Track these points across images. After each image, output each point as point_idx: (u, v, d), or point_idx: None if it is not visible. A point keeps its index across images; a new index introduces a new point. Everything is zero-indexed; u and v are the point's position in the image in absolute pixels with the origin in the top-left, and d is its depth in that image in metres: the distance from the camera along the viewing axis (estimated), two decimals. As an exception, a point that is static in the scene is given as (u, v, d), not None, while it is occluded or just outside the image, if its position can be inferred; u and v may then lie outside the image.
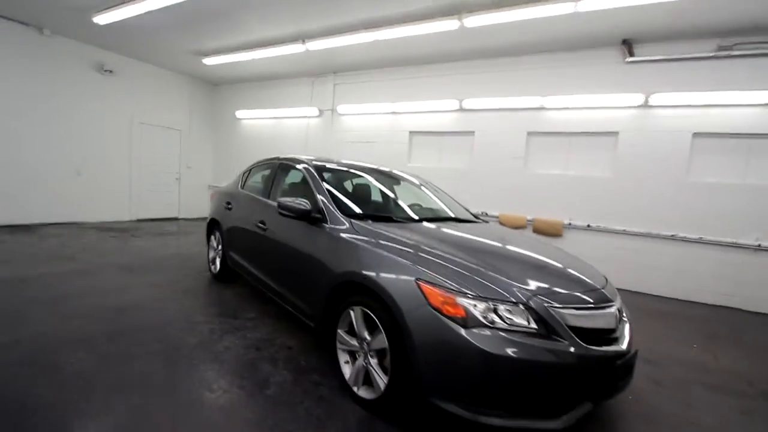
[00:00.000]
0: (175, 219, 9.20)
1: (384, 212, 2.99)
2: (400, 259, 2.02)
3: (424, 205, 3.33)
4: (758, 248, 4.74)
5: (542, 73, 5.93)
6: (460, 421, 1.70)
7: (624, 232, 5.48)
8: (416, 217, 2.91)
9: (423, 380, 1.78)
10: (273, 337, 2.94)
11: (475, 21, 4.81)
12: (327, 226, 2.56)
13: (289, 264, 2.84)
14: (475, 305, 1.72)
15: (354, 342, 2.20)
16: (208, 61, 7.51)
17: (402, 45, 6.01)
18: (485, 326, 1.69)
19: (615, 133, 5.57)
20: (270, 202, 3.34)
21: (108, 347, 2.54)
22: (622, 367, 1.86)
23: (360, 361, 2.15)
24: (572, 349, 1.71)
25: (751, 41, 4.67)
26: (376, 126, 7.49)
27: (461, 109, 6.58)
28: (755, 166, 4.84)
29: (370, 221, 2.52)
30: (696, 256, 5.08)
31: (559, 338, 1.72)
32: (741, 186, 4.89)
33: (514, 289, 1.81)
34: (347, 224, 2.47)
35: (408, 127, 7.16)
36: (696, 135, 5.09)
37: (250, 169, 4.26)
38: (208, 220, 4.57)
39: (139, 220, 8.38)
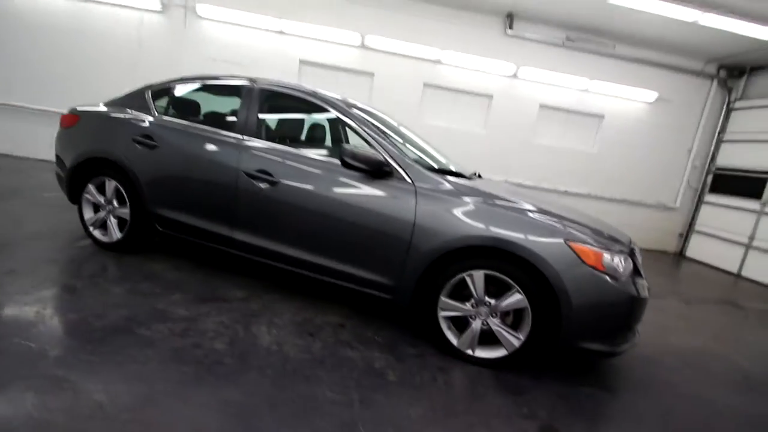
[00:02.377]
0: None
1: (445, 167, 2.75)
2: (541, 220, 2.04)
3: (444, 159, 3.18)
4: (565, 192, 6.89)
5: (442, 27, 6.20)
6: (578, 355, 2.03)
7: (489, 180, 6.79)
8: (468, 174, 2.83)
9: (576, 330, 1.97)
10: (308, 317, 2.39)
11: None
12: (405, 183, 2.20)
13: (341, 229, 2.28)
14: (613, 259, 2.00)
15: (466, 306, 2.12)
16: None
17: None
18: (622, 275, 2.00)
19: (490, 96, 6.59)
20: (282, 147, 2.49)
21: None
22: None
23: (476, 323, 2.11)
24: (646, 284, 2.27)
25: (585, 38, 6.31)
26: (256, 44, 6.11)
27: (363, 46, 6.17)
28: (571, 134, 6.84)
29: (450, 177, 2.32)
30: (533, 198, 6.91)
31: (641, 277, 2.24)
32: (559, 148, 6.83)
33: (622, 242, 2.18)
34: (444, 182, 2.21)
35: (298, 54, 6.20)
36: (542, 106, 6.66)
37: (168, 88, 2.91)
38: (76, 162, 2.87)
39: None
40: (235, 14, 5.87)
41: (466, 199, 2.14)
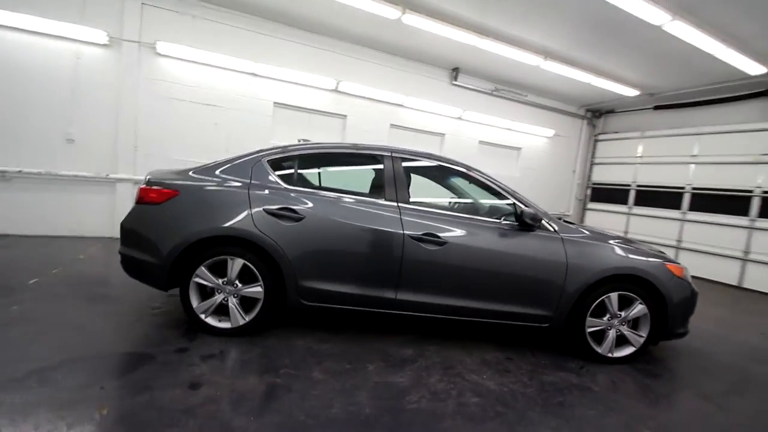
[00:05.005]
0: None
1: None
2: (646, 249, 2.89)
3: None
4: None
5: (404, 75, 6.94)
6: (669, 337, 2.94)
7: (447, 206, 7.75)
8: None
9: (675, 322, 2.85)
10: (481, 357, 2.71)
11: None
12: (552, 231, 2.79)
13: (499, 273, 2.71)
14: (687, 270, 2.97)
15: (604, 320, 2.81)
16: None
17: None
18: (690, 280, 2.99)
19: (443, 134, 7.60)
20: (450, 213, 2.87)
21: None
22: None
23: (612, 332, 2.82)
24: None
25: (507, 89, 7.90)
26: (227, 87, 5.73)
27: (337, 91, 6.42)
28: (500, 163, 8.34)
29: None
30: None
31: None
32: (494, 175, 8.23)
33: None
34: (580, 229, 2.89)
35: (272, 97, 6.05)
36: (480, 142, 7.99)
37: (289, 156, 2.84)
38: (186, 243, 2.51)
39: None
40: (203, 54, 5.42)
41: (608, 241, 2.86)
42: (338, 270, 2.65)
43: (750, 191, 6.39)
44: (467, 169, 3.02)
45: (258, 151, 2.84)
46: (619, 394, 2.41)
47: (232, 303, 2.61)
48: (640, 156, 8.23)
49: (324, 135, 6.54)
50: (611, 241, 2.91)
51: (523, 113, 8.27)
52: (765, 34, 4.72)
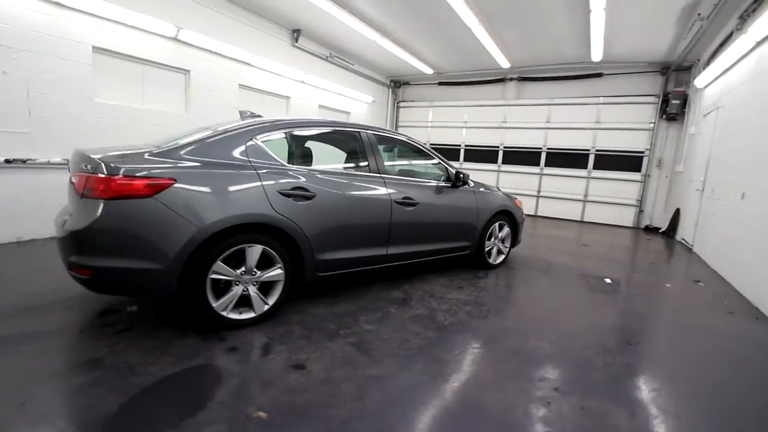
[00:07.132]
0: None
1: None
2: (506, 193, 4.46)
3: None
4: (341, 170, 9.23)
5: (249, 32, 6.43)
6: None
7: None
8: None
9: (518, 235, 4.63)
10: (441, 283, 3.67)
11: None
12: (469, 186, 3.94)
13: (446, 222, 3.68)
14: (521, 202, 4.79)
15: (492, 241, 4.29)
16: None
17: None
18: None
19: (288, 98, 7.57)
20: (413, 179, 3.49)
21: (510, 334, 2.65)
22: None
23: (495, 248, 4.35)
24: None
25: (339, 57, 8.45)
26: (16, 18, 3.90)
27: (177, 40, 5.36)
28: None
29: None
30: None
31: None
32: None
33: (507, 195, 5.00)
34: (481, 184, 4.11)
35: (90, 39, 4.53)
36: (320, 106, 8.38)
37: (280, 136, 2.74)
38: (201, 238, 2.20)
39: None
40: (-35, -41, 3.48)
41: (491, 191, 4.20)
42: (347, 238, 2.95)
43: (497, 146, 9.70)
44: (414, 142, 3.72)
45: (240, 127, 2.62)
46: (509, 280, 3.95)
47: (254, 291, 2.52)
48: (431, 121, 10.71)
49: (163, 92, 5.46)
50: (494, 191, 4.35)
51: (351, 81, 9.13)
52: (516, 43, 7.23)
